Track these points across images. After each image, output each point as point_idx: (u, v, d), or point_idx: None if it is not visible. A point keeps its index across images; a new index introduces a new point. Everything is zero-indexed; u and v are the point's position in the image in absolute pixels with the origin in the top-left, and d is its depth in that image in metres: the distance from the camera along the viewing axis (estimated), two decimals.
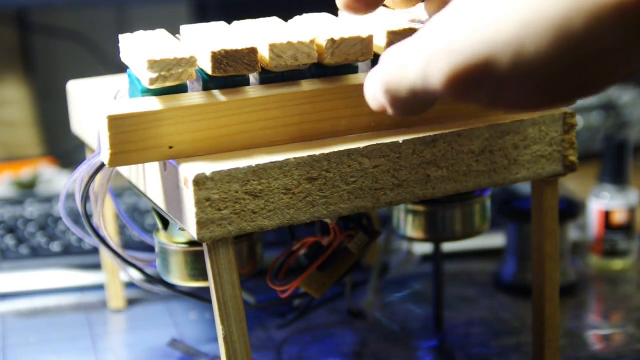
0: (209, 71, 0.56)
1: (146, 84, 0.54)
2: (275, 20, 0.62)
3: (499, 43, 0.38)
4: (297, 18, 0.63)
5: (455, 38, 0.40)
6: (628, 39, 0.37)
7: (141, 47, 0.56)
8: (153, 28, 0.61)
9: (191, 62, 0.54)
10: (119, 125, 0.54)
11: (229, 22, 0.63)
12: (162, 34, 0.59)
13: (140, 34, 0.59)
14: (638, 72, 0.39)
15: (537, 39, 0.37)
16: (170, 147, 0.55)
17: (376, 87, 0.45)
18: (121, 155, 0.54)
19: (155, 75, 0.54)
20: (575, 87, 0.39)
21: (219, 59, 0.55)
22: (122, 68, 0.61)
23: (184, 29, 0.61)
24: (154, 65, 0.54)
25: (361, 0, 0.54)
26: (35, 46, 1.31)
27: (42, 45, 1.31)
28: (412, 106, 0.44)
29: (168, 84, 0.54)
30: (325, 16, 0.63)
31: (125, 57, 0.59)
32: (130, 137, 0.54)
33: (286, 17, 0.63)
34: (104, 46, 1.28)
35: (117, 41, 0.59)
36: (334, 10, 0.64)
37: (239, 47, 0.55)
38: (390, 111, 0.45)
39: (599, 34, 0.37)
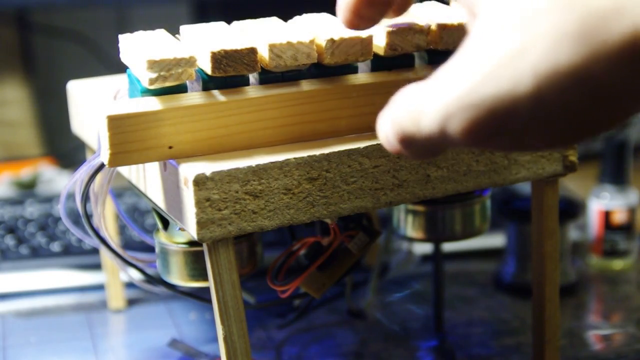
0: (209, 71, 0.56)
1: (146, 84, 0.54)
2: (274, 20, 0.62)
3: (518, 95, 0.38)
4: (296, 18, 0.63)
5: (472, 89, 0.39)
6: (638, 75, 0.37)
7: (141, 47, 0.56)
8: (153, 28, 0.61)
9: (191, 62, 0.54)
10: (118, 125, 0.54)
11: (229, 22, 0.63)
12: (161, 34, 0.59)
13: (139, 34, 0.59)
14: None
15: (556, 89, 0.37)
16: (170, 147, 0.55)
17: (389, 132, 0.44)
18: (121, 155, 0.54)
19: (154, 75, 0.54)
20: (594, 126, 0.39)
21: (219, 59, 0.55)
22: (122, 68, 0.61)
23: (184, 29, 0.61)
24: (153, 65, 0.54)
25: (363, 18, 0.53)
26: (35, 46, 1.31)
27: (42, 45, 1.31)
28: (428, 152, 0.44)
29: (167, 84, 0.54)
30: (324, 16, 0.63)
31: (125, 57, 0.59)
32: (129, 137, 0.54)
33: (286, 17, 0.63)
34: (104, 46, 1.28)
35: (117, 41, 0.59)
36: (333, 10, 0.64)
37: (239, 47, 0.55)
38: (405, 154, 0.45)
39: (618, 76, 0.36)
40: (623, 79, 0.37)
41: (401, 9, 0.55)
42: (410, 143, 0.43)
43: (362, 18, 0.53)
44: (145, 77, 0.54)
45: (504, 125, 0.39)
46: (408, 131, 0.42)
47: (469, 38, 0.40)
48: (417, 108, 0.42)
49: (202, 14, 1.28)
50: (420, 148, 0.43)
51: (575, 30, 0.36)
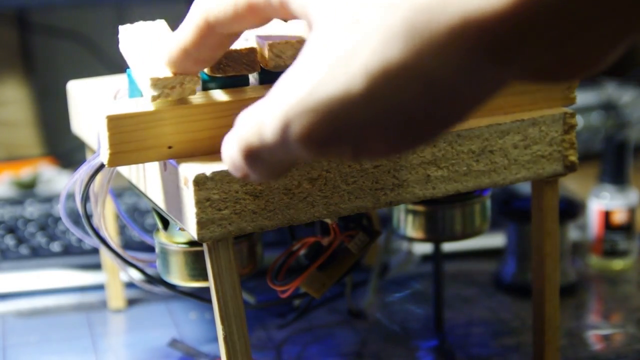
0: (208, 71, 0.56)
1: (148, 100, 0.54)
2: (274, 21, 0.62)
3: (352, 95, 0.37)
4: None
5: (308, 93, 0.38)
6: (473, 68, 0.36)
7: (143, 48, 0.56)
8: None
9: (194, 80, 0.54)
10: (118, 125, 0.54)
11: None
12: (162, 26, 0.59)
13: (140, 26, 0.59)
14: (490, 98, 0.38)
15: (389, 87, 0.36)
16: (170, 147, 0.55)
17: (234, 151, 0.43)
18: (120, 155, 0.54)
19: (157, 93, 0.53)
20: (435, 125, 0.38)
21: (219, 59, 0.55)
22: (122, 68, 0.61)
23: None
24: (157, 83, 0.53)
25: (192, 60, 0.51)
26: (35, 46, 1.31)
27: (42, 45, 1.31)
28: (274, 167, 0.43)
29: (170, 99, 0.54)
30: None
31: (124, 49, 0.58)
32: (129, 137, 0.54)
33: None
34: (104, 46, 1.28)
35: (117, 41, 0.59)
36: None
37: (238, 47, 0.55)
38: (252, 176, 0.43)
39: (451, 68, 0.36)
40: (457, 71, 0.36)
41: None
42: (256, 158, 0.42)
43: (192, 58, 0.51)
44: (147, 94, 0.54)
45: (341, 128, 0.38)
46: (252, 145, 0.41)
47: (305, 47, 0.40)
48: (259, 120, 0.41)
49: None
50: (266, 163, 0.42)
51: (402, 26, 0.36)
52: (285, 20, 0.57)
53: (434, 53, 0.35)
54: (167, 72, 0.53)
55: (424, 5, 0.35)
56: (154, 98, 0.54)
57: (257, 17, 0.46)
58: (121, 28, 0.59)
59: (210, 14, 0.47)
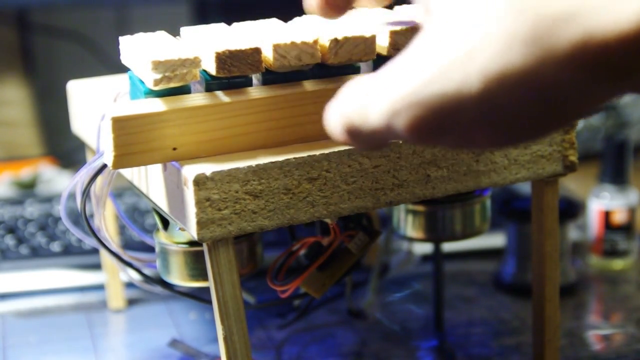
0: (213, 72, 0.56)
1: (150, 85, 0.54)
2: (275, 21, 0.62)
3: (464, 95, 0.38)
4: (296, 19, 0.63)
5: (420, 87, 0.39)
6: (589, 82, 0.37)
7: (144, 49, 0.56)
8: (153, 28, 0.61)
9: (195, 62, 0.54)
10: (123, 126, 0.54)
11: (229, 23, 0.63)
12: (162, 35, 0.59)
13: (140, 36, 0.59)
14: (598, 109, 0.39)
15: (503, 91, 0.37)
16: (174, 149, 0.55)
17: (337, 123, 0.44)
18: (125, 157, 0.54)
19: (159, 76, 0.54)
20: (539, 128, 0.40)
21: (223, 59, 0.55)
22: (122, 68, 0.61)
23: (184, 30, 0.61)
24: (158, 66, 0.54)
25: (332, 5, 0.54)
26: (35, 46, 1.31)
27: (42, 45, 1.31)
28: (374, 145, 0.45)
29: (172, 84, 0.54)
30: None
31: (126, 59, 0.59)
32: (134, 139, 0.54)
33: (285, 18, 0.63)
34: (104, 46, 1.28)
35: (117, 41, 0.59)
36: None
37: (243, 48, 0.55)
38: (351, 144, 0.45)
39: (566, 81, 0.37)
40: (570, 84, 0.37)
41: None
42: (357, 135, 0.43)
43: (331, 5, 0.54)
44: (149, 78, 0.54)
45: (448, 124, 0.40)
46: (355, 124, 0.43)
47: (421, 35, 0.40)
48: (365, 101, 0.42)
49: (202, 14, 1.28)
50: (366, 140, 0.44)
51: (526, 34, 0.37)
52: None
53: (552, 64, 0.36)
54: (168, 55, 0.53)
55: (549, 17, 0.36)
56: (156, 82, 0.54)
57: None
58: (122, 39, 0.59)
59: None
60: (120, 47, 0.59)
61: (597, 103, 0.38)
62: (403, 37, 0.59)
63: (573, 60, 0.36)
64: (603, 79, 0.36)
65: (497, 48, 0.37)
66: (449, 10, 0.40)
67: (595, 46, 0.35)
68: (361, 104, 0.43)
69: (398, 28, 0.59)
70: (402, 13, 0.63)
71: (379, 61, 0.60)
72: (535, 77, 0.37)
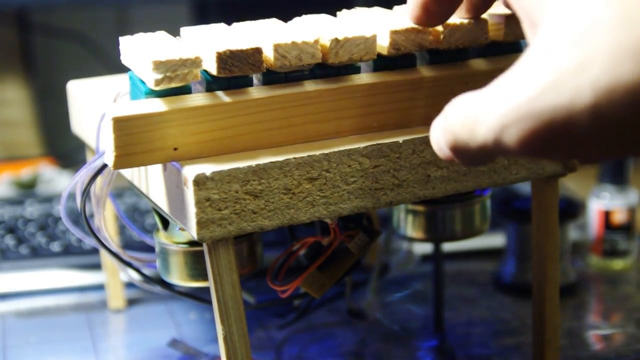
0: (214, 71, 0.56)
1: (151, 85, 0.54)
2: (275, 22, 0.62)
3: (576, 108, 0.38)
4: (296, 19, 0.63)
5: (531, 100, 0.39)
6: None
7: (144, 49, 0.56)
8: (153, 28, 0.61)
9: (196, 62, 0.54)
10: (124, 127, 0.54)
11: (229, 23, 0.63)
12: (162, 35, 0.59)
13: (140, 36, 0.59)
14: None
15: (615, 105, 0.37)
16: (175, 149, 0.55)
17: (441, 140, 0.44)
18: (126, 157, 0.54)
19: (160, 76, 0.54)
20: None
21: (224, 59, 0.55)
22: (122, 68, 0.61)
23: (184, 31, 0.61)
24: (159, 65, 0.53)
25: (432, 14, 0.54)
26: (35, 46, 1.31)
27: (42, 45, 1.31)
28: (479, 161, 0.44)
29: (173, 84, 0.54)
30: (324, 17, 0.63)
31: (126, 59, 0.59)
32: (135, 139, 0.54)
33: (285, 18, 0.63)
34: (104, 46, 1.28)
35: (118, 41, 0.59)
36: (331, 11, 0.64)
37: (244, 47, 0.55)
38: (456, 160, 0.45)
39: None
40: None
41: (475, 9, 0.56)
42: (463, 151, 0.43)
43: (431, 14, 0.54)
44: (150, 78, 0.54)
45: (560, 138, 0.39)
46: (461, 139, 0.43)
47: (530, 49, 0.40)
48: (472, 117, 0.42)
49: (202, 14, 1.28)
50: (472, 156, 0.43)
51: (637, 47, 0.36)
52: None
53: None
54: (169, 55, 0.53)
55: None
56: (157, 82, 0.54)
57: None
58: (122, 39, 0.59)
59: None
60: (120, 47, 0.59)
61: None
62: (403, 37, 0.59)
63: None
64: None
65: (608, 61, 0.37)
66: (558, 24, 0.39)
67: None
68: (468, 119, 0.42)
69: (398, 27, 0.59)
70: (402, 13, 0.63)
71: (379, 61, 0.60)
72: None
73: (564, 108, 0.38)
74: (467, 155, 0.44)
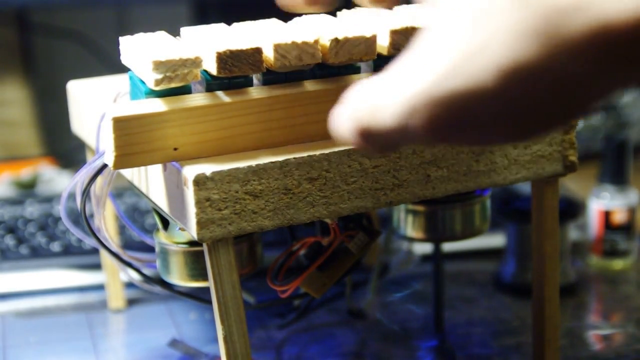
0: (214, 71, 0.56)
1: (151, 85, 0.54)
2: (275, 22, 0.62)
3: (482, 89, 0.38)
4: (296, 19, 0.63)
5: (436, 83, 0.39)
6: (600, 72, 0.37)
7: (145, 49, 0.56)
8: (153, 28, 0.61)
9: (196, 62, 0.54)
10: (124, 127, 0.54)
11: (229, 23, 0.63)
12: (162, 35, 0.59)
13: (140, 36, 0.59)
14: (609, 97, 0.39)
15: (519, 84, 0.37)
16: (175, 149, 0.55)
17: (346, 127, 0.43)
18: (126, 157, 0.54)
19: (160, 76, 0.54)
20: (556, 119, 0.40)
21: (224, 59, 0.55)
22: (122, 68, 0.61)
23: (184, 31, 0.61)
24: (159, 66, 0.53)
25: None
26: (35, 46, 1.31)
27: (42, 45, 1.31)
28: (387, 146, 0.44)
29: (173, 84, 0.54)
30: (324, 17, 0.63)
31: (126, 59, 0.59)
32: (135, 139, 0.54)
33: (285, 18, 0.63)
34: (104, 46, 1.28)
35: (118, 41, 0.59)
36: (331, 11, 0.64)
37: (244, 47, 0.55)
38: (362, 149, 0.44)
39: (580, 71, 0.37)
40: (582, 75, 0.37)
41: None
42: (370, 137, 0.43)
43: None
44: (150, 78, 0.54)
45: (467, 120, 0.39)
46: (368, 125, 0.42)
47: (429, 32, 0.40)
48: (377, 102, 0.42)
49: (202, 14, 1.28)
50: (380, 141, 0.43)
51: (536, 27, 0.37)
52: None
53: (566, 54, 0.36)
54: (169, 56, 0.53)
55: (559, 8, 0.36)
56: (157, 82, 0.54)
57: None
58: (122, 39, 0.59)
59: None
60: (120, 47, 0.59)
61: (608, 93, 0.38)
62: (403, 37, 0.59)
63: (584, 51, 0.36)
64: (614, 68, 0.36)
65: (508, 41, 0.37)
66: (457, 6, 0.39)
67: (606, 35, 0.35)
68: (373, 104, 0.42)
69: (398, 27, 0.59)
70: (402, 13, 0.63)
71: (379, 61, 0.60)
72: (547, 69, 0.37)
73: (468, 90, 0.38)
74: (374, 141, 0.43)
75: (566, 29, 0.36)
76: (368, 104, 0.42)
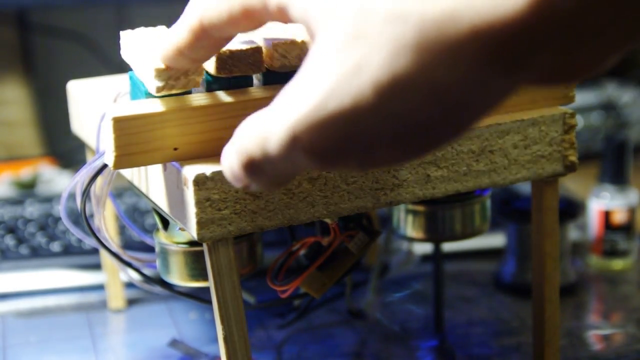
0: (214, 72, 0.56)
1: (153, 92, 0.54)
2: (275, 21, 0.62)
3: (361, 108, 0.37)
4: None
5: (316, 107, 0.38)
6: (484, 77, 0.36)
7: (145, 49, 0.56)
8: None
9: (198, 70, 0.54)
10: (124, 127, 0.54)
11: None
12: (163, 31, 0.59)
13: (141, 31, 0.59)
14: (497, 105, 0.38)
15: (399, 99, 0.37)
16: (175, 149, 0.55)
17: (234, 162, 0.43)
18: (126, 157, 0.54)
19: (162, 84, 0.54)
20: (443, 133, 0.39)
21: (224, 59, 0.55)
22: (122, 68, 0.61)
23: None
24: (161, 73, 0.53)
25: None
26: (35, 46, 1.31)
27: (42, 45, 1.31)
28: (276, 178, 0.43)
29: (174, 91, 0.54)
30: None
31: (126, 55, 0.59)
32: (135, 139, 0.54)
33: None
34: (104, 46, 1.28)
35: (117, 41, 0.59)
36: None
37: (244, 48, 0.55)
38: (253, 186, 0.43)
39: (462, 79, 0.36)
40: (466, 81, 0.36)
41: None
42: (257, 170, 0.42)
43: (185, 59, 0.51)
44: (152, 85, 0.54)
45: (350, 140, 0.38)
46: (254, 157, 0.41)
47: (308, 58, 0.40)
48: (262, 132, 0.41)
49: None
50: (268, 175, 0.42)
51: (411, 39, 0.36)
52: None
53: (443, 64, 0.36)
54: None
55: (433, 18, 0.35)
56: (159, 89, 0.54)
57: (252, 21, 0.46)
58: (122, 34, 0.59)
59: (205, 17, 0.47)
60: (121, 41, 0.59)
61: (497, 99, 0.37)
62: None
63: (462, 57, 0.35)
64: (496, 71, 0.36)
65: (385, 57, 0.36)
66: (332, 27, 0.38)
67: (484, 37, 0.35)
68: (258, 135, 0.41)
69: None
70: None
71: None
72: (427, 80, 0.36)
73: (349, 110, 0.37)
74: (263, 175, 0.42)
75: (442, 37, 0.35)
76: (254, 135, 0.41)
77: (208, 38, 0.48)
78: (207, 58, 0.52)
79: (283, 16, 0.43)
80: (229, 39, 0.50)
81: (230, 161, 0.43)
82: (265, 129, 0.41)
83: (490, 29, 0.35)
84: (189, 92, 0.56)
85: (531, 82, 0.37)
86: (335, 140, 0.39)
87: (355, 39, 0.37)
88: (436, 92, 0.36)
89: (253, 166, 0.42)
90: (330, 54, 0.38)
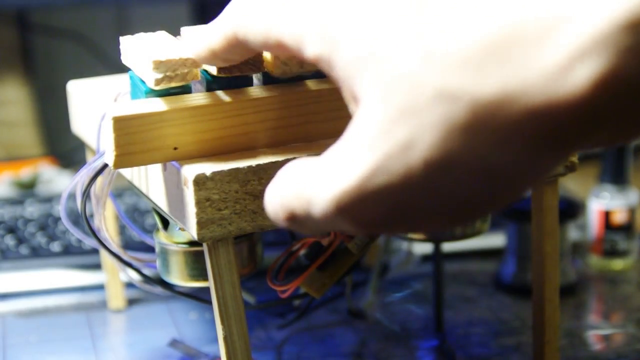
0: (214, 71, 0.56)
1: (151, 85, 0.54)
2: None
3: (411, 185, 0.37)
4: None
5: (366, 180, 0.38)
6: (534, 158, 0.36)
7: (145, 48, 0.56)
8: (153, 28, 0.61)
9: (196, 62, 0.54)
10: (124, 126, 0.54)
11: None
12: (162, 35, 0.59)
13: (140, 36, 0.59)
14: (541, 179, 0.38)
15: (448, 178, 0.37)
16: (175, 149, 0.55)
17: (278, 210, 0.43)
18: (126, 157, 0.54)
19: (160, 76, 0.54)
20: (487, 207, 0.39)
21: None
22: (122, 68, 0.61)
23: (184, 30, 0.61)
24: (159, 65, 0.53)
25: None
26: (35, 46, 1.31)
27: (42, 45, 1.31)
28: (315, 231, 0.44)
29: (173, 84, 0.54)
30: None
31: (126, 59, 0.59)
32: (135, 139, 0.54)
33: None
34: (104, 46, 1.28)
35: (117, 41, 0.59)
36: None
37: None
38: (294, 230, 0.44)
39: (511, 160, 0.36)
40: (518, 161, 0.36)
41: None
42: (300, 224, 0.43)
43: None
44: (150, 77, 0.54)
45: (398, 214, 0.39)
46: (297, 214, 0.42)
47: (356, 123, 0.39)
48: (308, 195, 0.41)
49: (202, 14, 1.28)
50: (311, 229, 0.43)
51: (464, 121, 0.35)
52: None
53: (496, 145, 0.36)
54: (169, 55, 0.53)
55: (486, 100, 0.35)
56: (157, 82, 0.54)
57: (284, 52, 0.46)
58: (122, 39, 0.59)
59: (240, 31, 0.47)
60: (121, 47, 0.59)
61: (545, 173, 0.37)
62: None
63: (518, 138, 0.35)
64: (552, 150, 0.36)
65: (436, 136, 0.36)
66: (381, 97, 0.38)
67: (541, 119, 0.34)
68: (303, 194, 0.41)
69: None
70: None
71: None
72: (478, 161, 0.36)
73: (398, 186, 0.38)
74: (304, 228, 0.43)
75: (495, 121, 0.35)
76: (298, 192, 0.42)
77: (242, 47, 0.49)
78: (241, 60, 0.53)
79: (320, 64, 0.42)
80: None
81: (276, 211, 0.43)
82: (311, 192, 0.41)
83: (547, 111, 0.34)
84: (189, 91, 0.56)
85: (572, 154, 0.37)
86: (380, 213, 0.39)
87: (405, 114, 0.37)
88: (486, 171, 0.36)
89: (296, 222, 0.43)
90: (380, 127, 0.38)
